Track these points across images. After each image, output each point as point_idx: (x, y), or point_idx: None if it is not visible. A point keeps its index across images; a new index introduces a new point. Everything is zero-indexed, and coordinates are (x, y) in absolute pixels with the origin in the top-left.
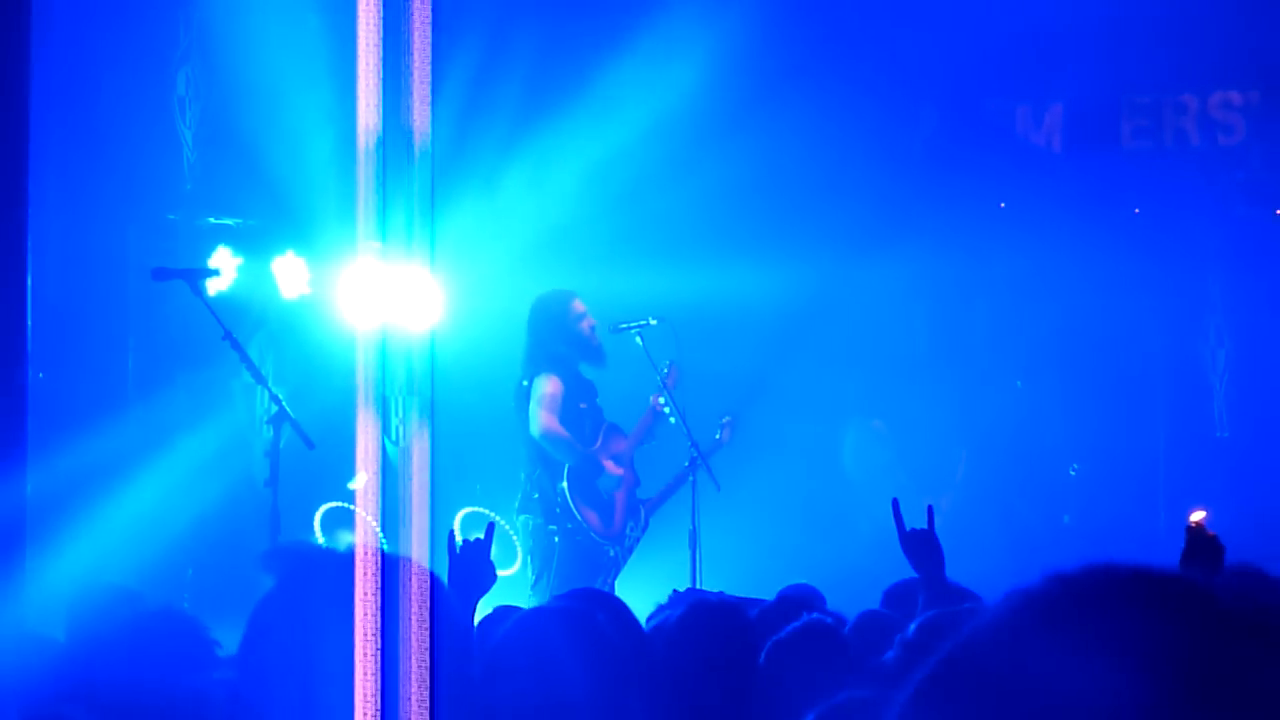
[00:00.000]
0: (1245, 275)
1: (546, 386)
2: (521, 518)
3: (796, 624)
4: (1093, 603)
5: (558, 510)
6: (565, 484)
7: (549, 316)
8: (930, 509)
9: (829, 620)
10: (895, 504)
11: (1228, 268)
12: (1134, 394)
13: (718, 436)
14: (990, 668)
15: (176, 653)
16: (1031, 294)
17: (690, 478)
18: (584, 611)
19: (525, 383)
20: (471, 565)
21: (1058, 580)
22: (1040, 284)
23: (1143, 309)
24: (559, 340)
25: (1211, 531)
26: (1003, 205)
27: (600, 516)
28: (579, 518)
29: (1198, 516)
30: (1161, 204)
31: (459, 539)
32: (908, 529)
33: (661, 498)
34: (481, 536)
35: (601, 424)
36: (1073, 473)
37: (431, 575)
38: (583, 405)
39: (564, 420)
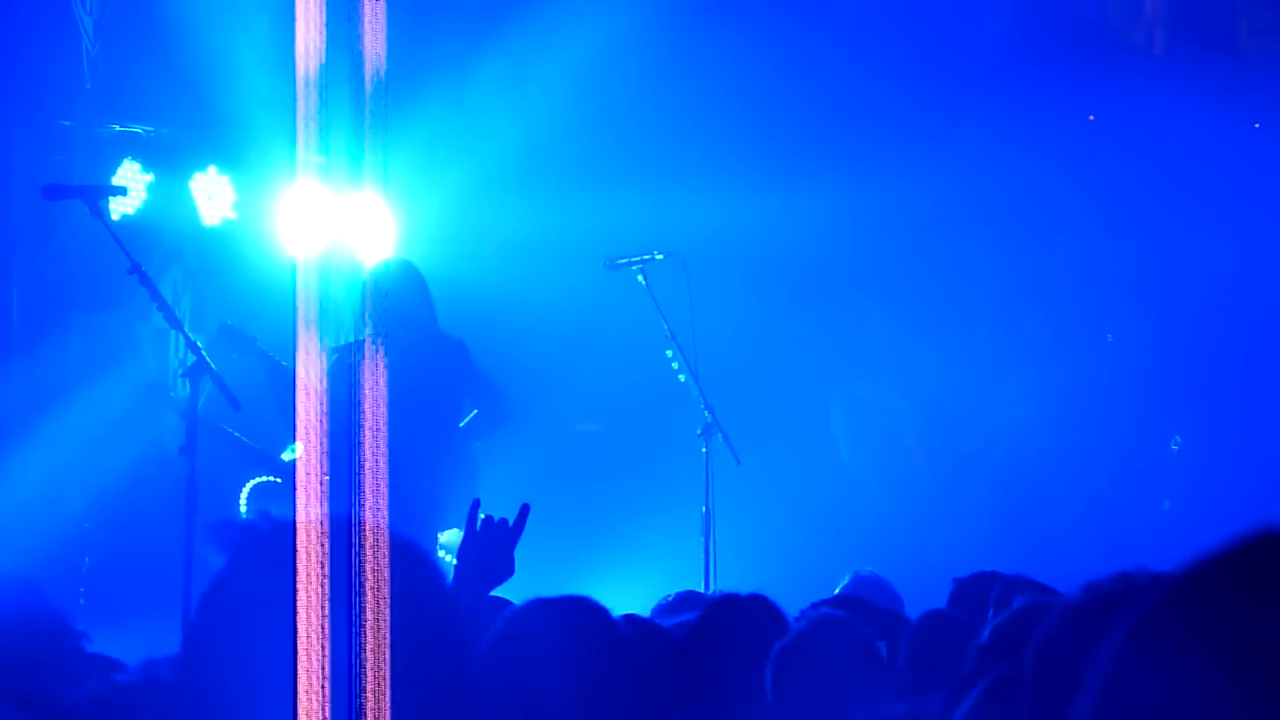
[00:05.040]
0: None
1: None
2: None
3: (802, 623)
4: (1180, 604)
5: None
6: None
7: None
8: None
9: (841, 615)
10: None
11: None
12: (1254, 351)
13: None
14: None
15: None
16: (1127, 227)
17: (703, 448)
18: (598, 607)
19: None
20: (490, 551)
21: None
22: (1138, 214)
23: (1265, 245)
24: None
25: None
26: (1091, 118)
27: None
28: None
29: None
30: None
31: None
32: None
33: None
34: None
35: None
36: (1175, 447)
37: (391, 569)
38: None
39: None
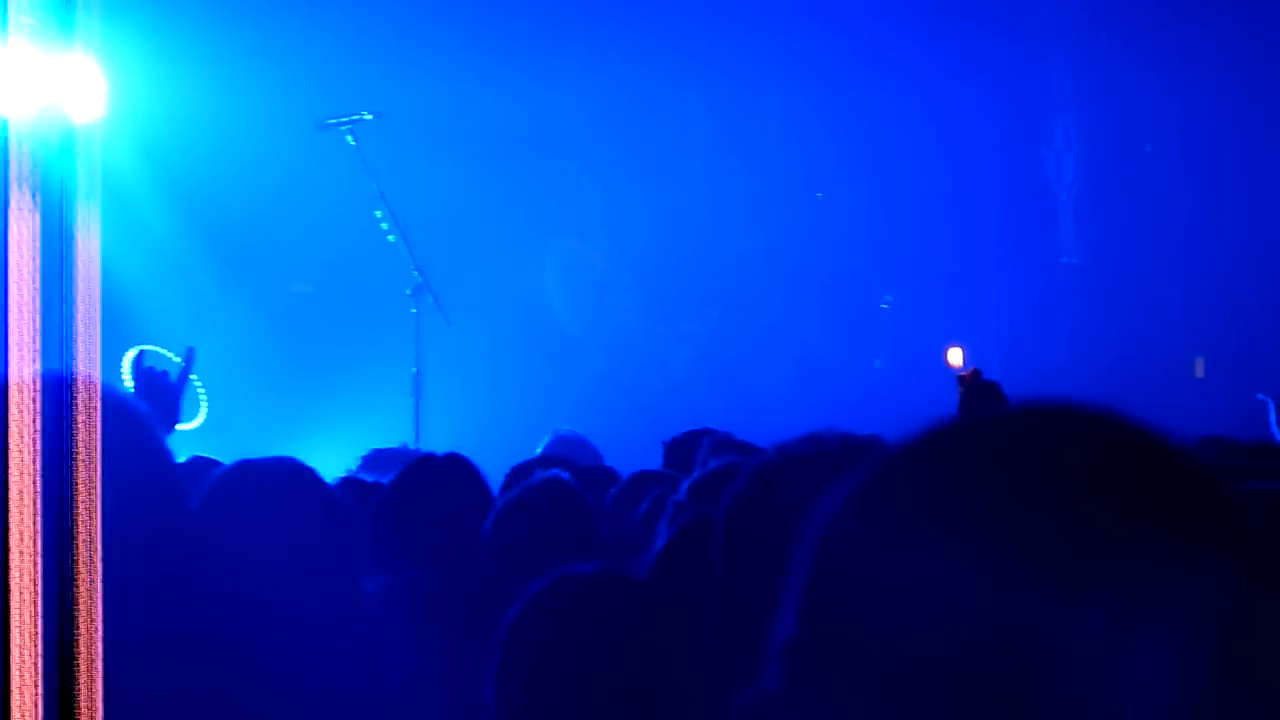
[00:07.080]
0: (1102, 61)
1: None
2: None
3: (529, 481)
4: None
5: None
6: None
7: None
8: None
9: (566, 477)
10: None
11: (1080, 50)
12: (962, 208)
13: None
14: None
15: None
16: (832, 81)
17: (413, 309)
18: (304, 467)
19: None
20: (157, 401)
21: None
22: (843, 66)
23: (972, 101)
24: None
25: (990, 380)
26: None
27: None
28: None
29: (957, 359)
30: None
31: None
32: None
33: None
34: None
35: None
36: (885, 306)
37: (105, 429)
38: None
39: None
